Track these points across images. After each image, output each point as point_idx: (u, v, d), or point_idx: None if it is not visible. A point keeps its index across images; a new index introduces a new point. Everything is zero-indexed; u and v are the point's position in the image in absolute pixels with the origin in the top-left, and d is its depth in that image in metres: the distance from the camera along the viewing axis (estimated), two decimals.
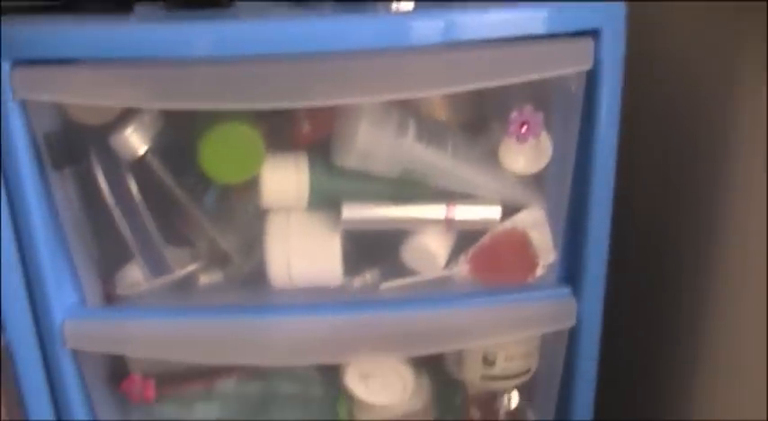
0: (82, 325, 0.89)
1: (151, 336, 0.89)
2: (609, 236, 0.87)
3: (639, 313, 1.11)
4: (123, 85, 0.78)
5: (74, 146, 0.84)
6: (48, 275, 0.87)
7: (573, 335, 0.92)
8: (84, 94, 0.79)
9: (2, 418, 0.95)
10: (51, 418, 0.94)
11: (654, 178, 1.06)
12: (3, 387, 0.94)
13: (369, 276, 0.89)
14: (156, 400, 0.94)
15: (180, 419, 0.96)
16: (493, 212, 0.86)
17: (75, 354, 0.91)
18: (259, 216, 0.87)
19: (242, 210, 0.87)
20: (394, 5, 0.79)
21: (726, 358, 0.92)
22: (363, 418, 0.97)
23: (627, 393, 1.16)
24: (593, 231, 0.87)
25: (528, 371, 0.94)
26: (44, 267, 0.87)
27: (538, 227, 0.87)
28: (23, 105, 0.81)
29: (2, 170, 0.83)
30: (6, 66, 0.79)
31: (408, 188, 0.85)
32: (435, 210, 0.85)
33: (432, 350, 0.89)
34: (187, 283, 0.90)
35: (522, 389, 0.98)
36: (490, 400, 0.99)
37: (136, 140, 0.83)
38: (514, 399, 0.99)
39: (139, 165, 0.84)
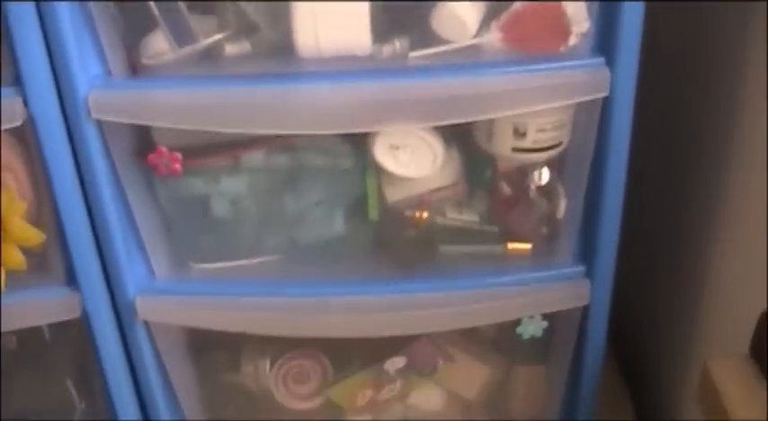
0: (107, 95, 1.00)
1: (177, 106, 0.99)
2: (644, 6, 0.96)
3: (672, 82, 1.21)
4: None
5: None
6: (71, 45, 0.98)
7: (606, 107, 1.02)
8: None
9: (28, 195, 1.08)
10: (78, 193, 1.07)
11: None
12: (29, 164, 1.07)
13: (398, 44, 0.99)
14: (182, 173, 1.06)
15: (206, 192, 1.09)
16: None
17: (101, 126, 1.02)
18: None
19: None
20: None
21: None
22: (392, 192, 1.09)
23: (659, 170, 1.28)
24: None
25: (559, 143, 1.05)
26: (67, 35, 0.97)
27: None
28: None
29: None
30: None
31: None
32: None
33: (462, 118, 0.99)
34: (213, 53, 1.00)
35: (553, 165, 1.10)
36: (521, 175, 1.10)
37: None
38: (545, 175, 1.10)
39: None
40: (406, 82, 0.98)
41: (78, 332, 1.18)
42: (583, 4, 0.96)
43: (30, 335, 1.20)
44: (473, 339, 1.23)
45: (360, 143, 1.05)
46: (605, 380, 1.23)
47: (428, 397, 1.27)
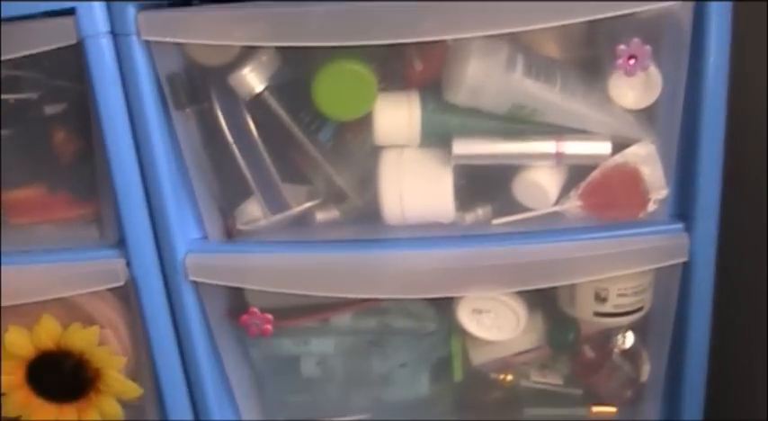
0: (203, 258, 1.05)
1: (269, 270, 1.03)
2: (721, 170, 0.98)
3: (754, 251, 1.21)
4: (241, 24, 0.93)
5: (195, 86, 1.00)
6: (171, 211, 1.03)
7: (686, 272, 1.02)
8: (205, 35, 0.94)
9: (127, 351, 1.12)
10: (174, 351, 1.11)
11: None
12: (129, 321, 1.11)
13: (481, 212, 1.02)
14: (273, 334, 1.09)
15: (296, 352, 1.12)
16: (603, 147, 0.98)
17: (197, 287, 1.07)
18: (373, 153, 1.01)
19: (356, 147, 1.02)
20: None
21: None
22: (477, 355, 1.11)
23: (741, 332, 1.27)
24: (705, 166, 0.97)
25: (641, 308, 1.06)
26: (168, 203, 1.03)
27: (649, 162, 0.98)
28: (148, 47, 0.96)
29: (129, 111, 0.99)
30: (132, 9, 0.94)
31: (518, 123, 0.97)
32: (545, 146, 0.98)
33: (543, 284, 1.00)
34: (304, 219, 1.05)
35: (636, 329, 1.10)
36: (604, 339, 1.11)
37: (254, 79, 0.98)
38: (629, 339, 1.11)
39: (257, 103, 0.99)
40: (488, 248, 1.01)
41: None
42: (660, 171, 0.98)
43: None
44: None
45: (444, 306, 1.07)
46: None
47: None
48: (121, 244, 1.06)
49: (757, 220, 1.20)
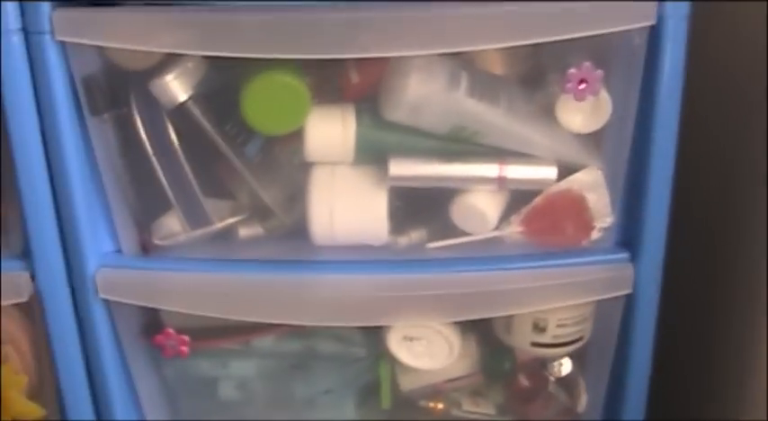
0: (116, 274, 1.00)
1: (187, 290, 0.99)
2: (669, 199, 0.95)
3: (699, 282, 1.20)
4: (167, 29, 0.87)
5: (114, 91, 0.94)
6: (83, 222, 0.98)
7: (629, 301, 1.00)
8: (126, 38, 0.88)
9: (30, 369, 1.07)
10: (81, 370, 1.05)
11: (718, 139, 1.14)
12: (33, 338, 1.06)
13: (415, 235, 0.98)
14: (189, 355, 1.04)
15: (214, 375, 1.07)
16: (548, 172, 0.94)
17: (108, 305, 1.01)
18: (303, 169, 0.96)
19: (285, 162, 0.97)
20: None
21: None
22: (406, 381, 1.07)
23: (683, 365, 1.26)
24: (654, 194, 0.95)
25: (580, 339, 1.03)
26: (79, 214, 0.97)
27: (595, 188, 0.95)
28: (63, 47, 0.90)
29: (40, 114, 0.93)
30: (47, 6, 0.88)
31: (459, 145, 0.93)
32: (487, 169, 0.94)
33: (480, 314, 0.97)
34: (226, 236, 1.00)
35: (574, 358, 1.07)
36: (540, 367, 1.08)
37: (177, 87, 0.92)
38: (566, 367, 1.08)
39: (180, 112, 0.93)
40: (422, 275, 0.97)
41: None
42: (607, 198, 0.95)
43: None
44: None
45: (373, 332, 1.04)
46: None
47: None
48: (26, 255, 1.00)
49: (702, 248, 1.19)
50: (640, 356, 1.04)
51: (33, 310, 1.02)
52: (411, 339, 1.02)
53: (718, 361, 1.18)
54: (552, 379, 1.08)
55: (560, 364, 1.08)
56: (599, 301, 1.01)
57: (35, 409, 1.07)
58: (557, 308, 0.99)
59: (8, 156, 0.95)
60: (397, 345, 1.02)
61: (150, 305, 1.00)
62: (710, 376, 1.20)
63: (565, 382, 1.09)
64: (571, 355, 1.07)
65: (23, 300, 1.00)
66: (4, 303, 1.01)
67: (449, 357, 1.03)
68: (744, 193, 1.09)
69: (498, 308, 0.98)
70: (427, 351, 1.03)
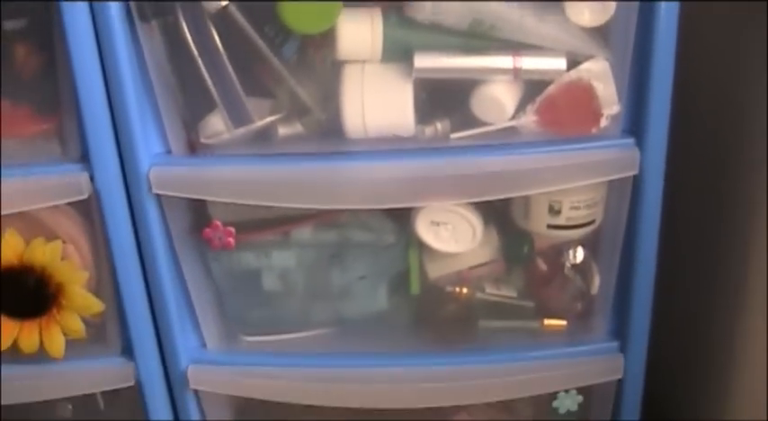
0: (167, 171, 1.09)
1: (232, 182, 1.07)
2: (672, 87, 1.03)
3: (703, 169, 1.28)
4: None
5: None
6: (135, 125, 1.07)
7: (636, 187, 1.08)
8: None
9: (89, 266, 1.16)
10: (136, 265, 1.15)
11: (721, 30, 1.22)
12: (92, 236, 1.15)
13: (440, 126, 1.07)
14: (235, 247, 1.14)
15: (258, 266, 1.16)
16: (558, 63, 1.03)
17: (160, 201, 1.11)
18: (335, 68, 1.05)
19: (319, 62, 1.06)
20: None
21: None
22: (433, 269, 1.16)
23: (689, 250, 1.34)
24: (657, 83, 1.03)
25: (592, 222, 1.12)
26: (132, 117, 1.06)
27: (602, 78, 1.03)
28: None
29: (94, 24, 1.02)
30: None
31: (477, 40, 1.02)
32: (503, 60, 1.03)
33: (499, 195, 1.06)
34: (267, 134, 1.09)
35: (587, 244, 1.16)
36: (556, 253, 1.17)
37: None
38: (579, 254, 1.17)
39: (223, 16, 1.02)
40: (446, 160, 1.06)
41: (131, 401, 1.25)
42: (613, 88, 1.03)
43: (84, 404, 1.27)
44: (511, 414, 1.28)
45: (402, 220, 1.13)
46: None
47: None
48: (84, 158, 1.09)
49: (706, 140, 1.27)
50: (647, 239, 1.12)
51: (92, 210, 1.11)
52: (437, 224, 1.11)
53: (722, 248, 1.27)
54: (567, 264, 1.17)
55: (575, 251, 1.16)
56: (608, 186, 1.10)
57: (96, 303, 1.16)
58: (569, 191, 1.07)
59: (66, 67, 1.04)
60: (424, 230, 1.11)
61: (198, 197, 1.09)
62: (713, 260, 1.29)
63: (579, 267, 1.17)
64: (584, 242, 1.15)
65: (83, 197, 1.09)
66: (65, 202, 1.10)
67: (472, 241, 1.12)
68: (748, 81, 1.16)
69: (515, 188, 1.06)
70: (452, 235, 1.11)
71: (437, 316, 1.19)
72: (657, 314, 1.17)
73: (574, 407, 1.20)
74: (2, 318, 1.16)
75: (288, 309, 1.21)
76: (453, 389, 1.18)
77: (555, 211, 1.09)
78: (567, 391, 1.19)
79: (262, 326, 1.23)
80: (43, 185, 1.09)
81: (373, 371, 1.19)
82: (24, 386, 1.21)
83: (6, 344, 1.16)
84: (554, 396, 1.20)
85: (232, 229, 1.12)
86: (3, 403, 1.21)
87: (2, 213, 1.10)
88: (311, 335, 1.24)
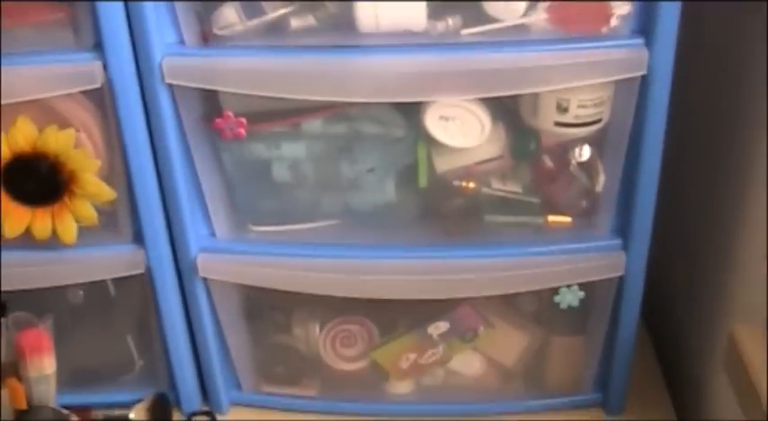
0: (180, 61, 1.11)
1: (244, 72, 1.09)
2: None
3: (711, 70, 1.30)
4: None
5: None
6: (149, 14, 1.08)
7: (644, 86, 1.10)
8: None
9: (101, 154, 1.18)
10: (148, 154, 1.18)
11: None
12: (104, 125, 1.17)
13: (451, 21, 1.08)
14: (246, 138, 1.16)
15: (268, 157, 1.19)
16: None
17: (173, 91, 1.13)
18: None
19: None
20: None
21: None
22: (441, 163, 1.19)
23: (695, 146, 1.37)
24: None
25: (599, 120, 1.14)
26: (145, 6, 1.08)
27: None
28: None
29: None
30: None
31: None
32: None
33: (507, 91, 1.07)
34: (279, 26, 1.10)
35: (593, 143, 1.18)
36: (562, 151, 1.19)
37: None
38: (585, 152, 1.19)
39: None
40: (456, 56, 1.07)
41: (141, 288, 1.28)
42: None
43: (95, 291, 1.31)
44: (513, 308, 1.32)
45: (412, 113, 1.14)
46: (637, 350, 1.31)
47: (468, 362, 1.37)
48: (98, 47, 1.11)
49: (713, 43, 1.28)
50: (653, 139, 1.14)
51: (104, 98, 1.13)
52: (446, 119, 1.13)
53: (724, 147, 1.29)
54: (573, 162, 1.19)
55: (581, 149, 1.18)
56: (616, 85, 1.11)
57: (107, 191, 1.19)
58: (578, 89, 1.09)
59: None
60: (433, 124, 1.13)
61: (209, 87, 1.11)
62: (716, 161, 1.31)
63: (585, 165, 1.19)
64: (590, 140, 1.17)
65: (96, 85, 1.11)
66: (78, 90, 1.12)
67: (480, 136, 1.14)
68: None
69: (525, 85, 1.08)
70: (461, 130, 1.14)
71: (443, 209, 1.22)
72: (660, 212, 1.19)
73: (575, 303, 1.23)
74: (14, 206, 1.19)
75: (297, 199, 1.23)
76: (457, 281, 1.21)
77: (563, 109, 1.11)
78: (569, 287, 1.22)
79: (271, 217, 1.26)
80: (56, 73, 1.11)
81: (379, 262, 1.23)
82: (37, 271, 1.25)
83: (20, 230, 1.19)
84: (556, 291, 1.23)
85: (243, 120, 1.14)
86: (16, 288, 1.24)
87: (15, 101, 1.11)
88: (319, 226, 1.26)
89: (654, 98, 1.11)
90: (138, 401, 1.38)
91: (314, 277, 1.22)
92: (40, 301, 1.26)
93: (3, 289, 1.24)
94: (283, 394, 1.41)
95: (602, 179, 1.18)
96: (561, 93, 1.10)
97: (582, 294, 1.23)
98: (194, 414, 1.40)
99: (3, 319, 1.15)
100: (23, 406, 1.10)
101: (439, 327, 1.30)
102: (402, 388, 1.39)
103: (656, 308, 1.43)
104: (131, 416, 1.36)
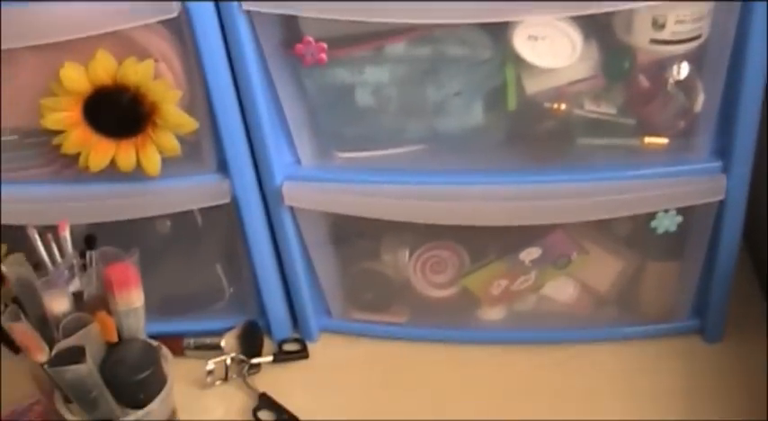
0: None
1: None
2: None
3: None
4: None
5: None
6: None
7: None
8: None
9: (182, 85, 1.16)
10: (229, 84, 1.16)
11: None
12: (184, 56, 1.15)
13: None
14: (327, 63, 1.12)
15: (351, 82, 1.15)
16: None
17: (251, 17, 1.11)
18: None
19: None
20: None
21: None
22: (531, 84, 1.14)
23: None
24: None
25: (698, 36, 1.08)
26: None
27: None
28: None
29: None
30: None
31: None
32: None
33: (601, 8, 1.02)
34: None
35: (692, 60, 1.12)
36: (659, 69, 1.13)
37: None
38: (684, 70, 1.13)
39: None
40: None
41: (228, 217, 1.27)
42: None
43: (183, 220, 1.31)
44: (608, 233, 1.27)
45: (499, 34, 1.10)
46: (737, 276, 1.26)
47: (561, 288, 1.33)
48: None
49: None
50: (756, 56, 1.07)
51: (182, 28, 1.11)
52: (535, 38, 1.08)
53: None
54: (671, 81, 1.13)
55: (679, 67, 1.12)
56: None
57: (189, 122, 1.17)
58: (675, 3, 1.03)
59: None
60: (521, 44, 1.09)
61: (289, 12, 1.08)
62: None
63: (683, 84, 1.14)
64: (689, 58, 1.11)
65: (173, 15, 1.08)
66: (156, 20, 1.09)
67: (571, 56, 1.09)
68: None
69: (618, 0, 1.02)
70: (550, 50, 1.09)
71: (534, 132, 1.18)
72: (763, 132, 1.13)
73: (673, 228, 1.19)
74: (98, 138, 1.18)
75: (381, 125, 1.20)
76: (549, 207, 1.17)
77: (659, 25, 1.05)
78: (666, 211, 1.18)
79: (355, 143, 1.23)
80: (133, 4, 1.09)
81: (467, 188, 1.19)
82: (124, 203, 1.25)
83: (104, 162, 1.19)
84: (652, 216, 1.19)
85: (324, 45, 1.11)
86: (105, 220, 1.24)
87: (94, 33, 1.09)
88: (405, 152, 1.23)
89: (756, 10, 1.04)
90: (229, 329, 1.38)
91: (400, 204, 1.20)
92: (128, 233, 1.25)
93: (91, 221, 1.24)
94: (373, 321, 1.39)
95: (701, 98, 1.13)
96: (657, 8, 1.05)
97: (680, 219, 1.19)
98: (285, 341, 1.38)
99: (91, 253, 1.15)
100: (114, 338, 1.10)
101: (531, 254, 1.27)
102: (493, 314, 1.36)
103: (757, 231, 1.37)
104: (222, 343, 1.36)
